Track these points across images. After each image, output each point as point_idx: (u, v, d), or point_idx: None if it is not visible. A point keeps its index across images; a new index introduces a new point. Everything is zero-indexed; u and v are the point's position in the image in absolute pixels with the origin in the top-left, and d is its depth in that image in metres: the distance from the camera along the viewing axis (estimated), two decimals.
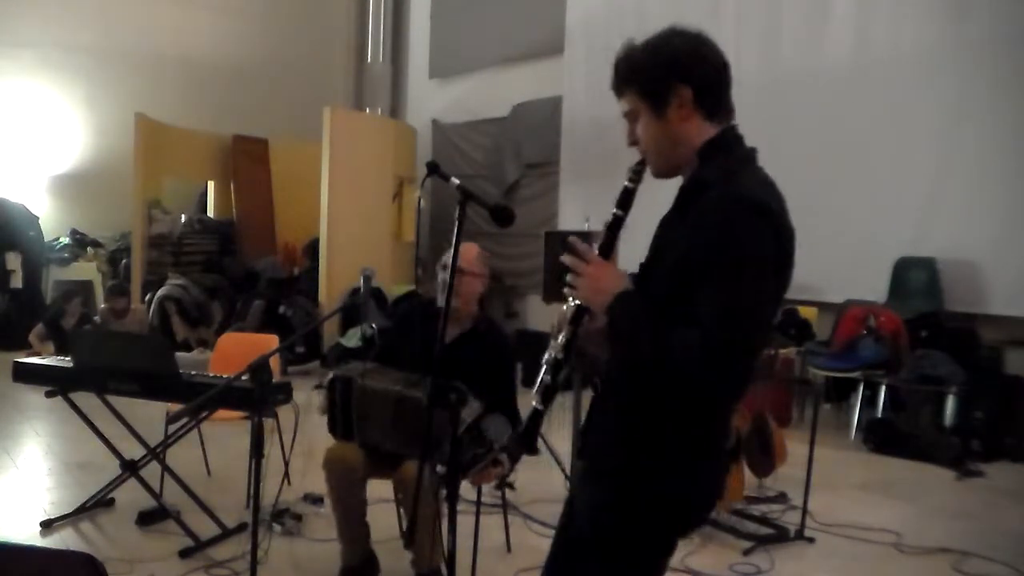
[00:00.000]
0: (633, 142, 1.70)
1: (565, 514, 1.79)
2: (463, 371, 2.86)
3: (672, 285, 1.53)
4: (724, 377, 1.46)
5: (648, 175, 1.71)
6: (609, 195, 1.72)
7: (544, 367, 1.70)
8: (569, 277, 1.63)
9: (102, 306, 7.72)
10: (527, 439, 1.72)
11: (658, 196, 1.75)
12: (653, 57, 1.63)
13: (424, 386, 2.85)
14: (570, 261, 1.63)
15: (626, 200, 1.68)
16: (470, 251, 3.23)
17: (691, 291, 1.47)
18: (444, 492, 2.20)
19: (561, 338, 1.68)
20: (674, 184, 1.69)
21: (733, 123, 1.67)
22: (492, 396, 2.83)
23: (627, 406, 1.63)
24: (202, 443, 4.33)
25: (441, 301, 3.17)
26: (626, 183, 1.68)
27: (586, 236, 1.73)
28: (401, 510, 3.34)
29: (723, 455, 1.68)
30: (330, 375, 3.08)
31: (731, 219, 1.48)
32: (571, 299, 1.67)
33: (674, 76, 1.61)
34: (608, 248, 1.68)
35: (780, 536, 3.79)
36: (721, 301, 1.45)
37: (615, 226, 1.69)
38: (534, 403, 1.70)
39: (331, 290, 8.38)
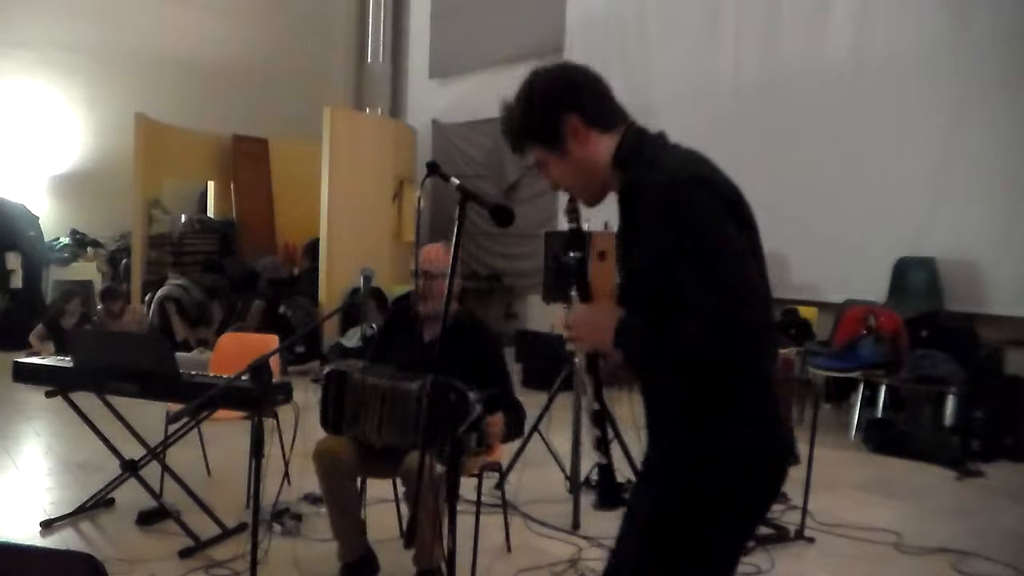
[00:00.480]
0: (555, 187, 1.75)
1: (620, 530, 1.77)
2: (452, 369, 2.88)
3: (650, 287, 1.56)
4: (737, 338, 1.45)
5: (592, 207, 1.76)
6: (609, 195, 1.73)
7: (590, 423, 1.75)
8: (566, 335, 1.70)
9: (98, 307, 7.72)
10: (609, 494, 1.75)
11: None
12: (528, 105, 1.67)
13: (416, 380, 2.88)
14: (564, 324, 1.69)
15: (577, 240, 1.75)
16: (435, 252, 3.21)
17: (672, 286, 1.49)
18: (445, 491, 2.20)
19: (589, 391, 1.73)
20: None
21: (631, 120, 1.69)
22: (486, 387, 2.82)
23: (670, 412, 1.64)
24: (202, 443, 4.33)
25: (420, 306, 3.16)
26: (569, 225, 1.76)
27: (585, 236, 1.75)
28: (403, 508, 3.34)
29: (772, 437, 1.61)
30: (327, 368, 3.09)
31: (671, 204, 1.51)
32: (581, 352, 1.73)
33: (556, 112, 1.64)
34: (584, 290, 1.72)
35: (780, 536, 3.78)
36: (697, 276, 1.46)
37: (580, 267, 1.74)
38: (597, 459, 1.75)
39: (331, 290, 8.38)
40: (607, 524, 3.63)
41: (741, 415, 1.57)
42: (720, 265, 1.47)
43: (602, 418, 1.73)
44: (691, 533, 1.59)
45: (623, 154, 1.64)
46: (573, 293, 1.72)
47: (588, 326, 1.65)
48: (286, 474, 3.38)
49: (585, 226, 1.76)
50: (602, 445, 1.73)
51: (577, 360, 1.76)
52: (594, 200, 1.72)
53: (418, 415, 2.88)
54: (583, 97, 1.65)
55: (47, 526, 3.69)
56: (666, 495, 1.62)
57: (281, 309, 8.28)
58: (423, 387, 2.86)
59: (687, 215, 1.49)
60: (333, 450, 3.03)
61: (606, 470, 1.74)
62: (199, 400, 2.79)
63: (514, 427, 3.08)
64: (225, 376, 3.46)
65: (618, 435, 4.04)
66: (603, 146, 1.65)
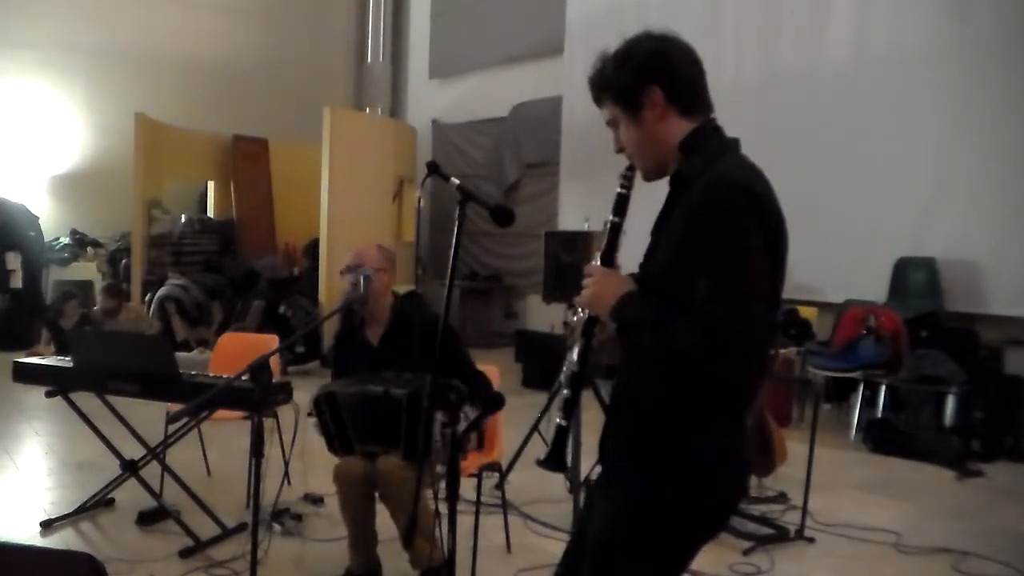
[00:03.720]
0: (619, 149, 1.74)
1: (580, 520, 1.80)
2: (406, 363, 2.89)
3: (670, 278, 1.56)
4: (727, 354, 1.47)
5: (639, 179, 1.74)
6: (609, 195, 1.74)
7: (563, 381, 1.73)
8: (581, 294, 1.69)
9: (95, 307, 7.73)
10: (555, 456, 1.73)
11: (659, 198, 1.77)
12: (621, 65, 1.67)
13: (383, 379, 2.92)
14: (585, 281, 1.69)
15: (621, 206, 1.72)
16: (368, 250, 3.25)
17: (685, 281, 1.51)
18: (440, 488, 2.19)
19: (576, 351, 1.71)
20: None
21: (712, 116, 1.69)
22: (448, 370, 2.83)
23: (640, 409, 1.65)
24: (202, 443, 4.33)
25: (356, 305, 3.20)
26: (619, 189, 1.73)
27: (586, 236, 1.75)
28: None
29: (741, 452, 1.66)
30: (314, 395, 3.09)
31: (712, 202, 1.52)
32: (580, 311, 1.71)
33: (643, 79, 1.65)
34: (610, 256, 1.71)
35: (780, 536, 3.79)
36: (712, 281, 1.48)
37: (614, 232, 1.72)
38: (558, 419, 1.72)
39: (331, 290, 8.37)
40: None
41: (711, 430, 1.59)
42: (738, 283, 1.48)
43: (578, 382, 1.71)
44: (644, 536, 1.61)
45: (691, 144, 1.65)
46: (586, 226, 1.73)
47: (598, 286, 1.65)
48: (286, 474, 3.38)
49: (586, 226, 1.75)
50: (568, 408, 1.72)
51: (575, 317, 1.72)
52: (651, 174, 1.72)
53: (388, 419, 2.91)
54: (674, 74, 1.65)
55: (47, 526, 3.69)
56: (626, 496, 1.64)
57: (281, 309, 8.28)
58: (388, 390, 2.90)
59: (728, 222, 1.50)
60: (353, 471, 3.04)
61: (562, 432, 1.72)
62: (199, 400, 2.79)
63: (487, 405, 3.05)
64: (225, 376, 3.46)
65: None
66: (677, 127, 1.66)
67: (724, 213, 1.50)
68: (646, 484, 1.60)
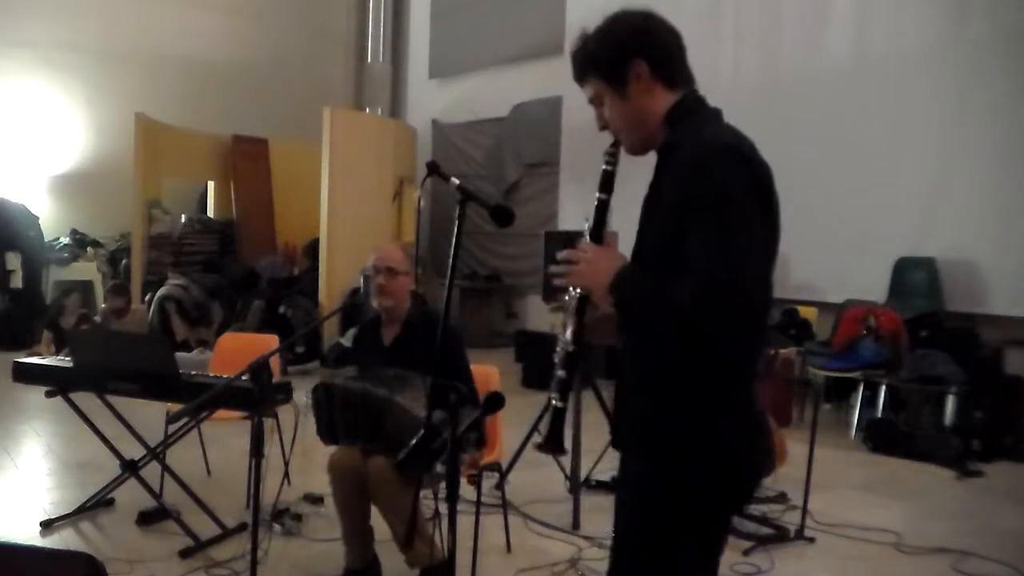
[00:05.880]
0: (603, 126, 1.75)
1: (617, 508, 1.77)
2: (414, 367, 2.89)
3: (663, 245, 1.56)
4: (726, 313, 1.45)
5: (624, 155, 1.74)
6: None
7: (557, 363, 1.71)
8: (563, 268, 1.67)
9: (102, 306, 7.73)
10: (553, 439, 1.72)
11: (646, 178, 1.76)
12: (605, 40, 1.69)
13: (386, 387, 2.91)
14: (566, 254, 1.67)
15: (607, 183, 1.73)
16: (395, 252, 3.27)
17: (683, 244, 1.50)
18: (439, 487, 2.19)
19: (569, 331, 1.70)
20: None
21: (695, 87, 1.70)
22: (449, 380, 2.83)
23: (647, 386, 1.63)
24: (202, 443, 4.33)
25: (374, 303, 3.24)
26: (604, 166, 1.73)
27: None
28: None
29: (756, 417, 1.63)
30: (317, 382, 3.12)
31: (702, 165, 1.52)
32: (572, 291, 1.69)
33: (628, 53, 1.66)
34: (598, 233, 1.71)
35: (780, 536, 3.78)
36: (707, 242, 1.47)
37: (601, 209, 1.72)
38: (553, 401, 1.71)
39: (331, 290, 8.38)
40: (607, 524, 3.63)
41: (720, 408, 1.57)
42: (733, 240, 1.47)
43: (574, 362, 1.70)
44: (670, 524, 1.59)
45: (677, 115, 1.65)
46: (586, 227, 1.70)
47: (590, 264, 1.64)
48: (286, 474, 3.38)
49: (586, 226, 1.74)
50: (564, 389, 1.70)
51: (567, 297, 1.70)
52: (636, 148, 1.72)
53: (383, 420, 2.91)
54: (658, 47, 1.67)
55: (47, 526, 3.69)
56: (645, 485, 1.63)
57: (281, 309, 8.27)
58: (390, 394, 2.91)
59: (717, 182, 1.49)
60: (346, 462, 3.04)
61: (559, 414, 1.70)
62: (199, 400, 2.79)
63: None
64: (225, 376, 3.46)
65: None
66: (662, 100, 1.66)
67: (716, 177, 1.50)
68: (666, 465, 1.58)
